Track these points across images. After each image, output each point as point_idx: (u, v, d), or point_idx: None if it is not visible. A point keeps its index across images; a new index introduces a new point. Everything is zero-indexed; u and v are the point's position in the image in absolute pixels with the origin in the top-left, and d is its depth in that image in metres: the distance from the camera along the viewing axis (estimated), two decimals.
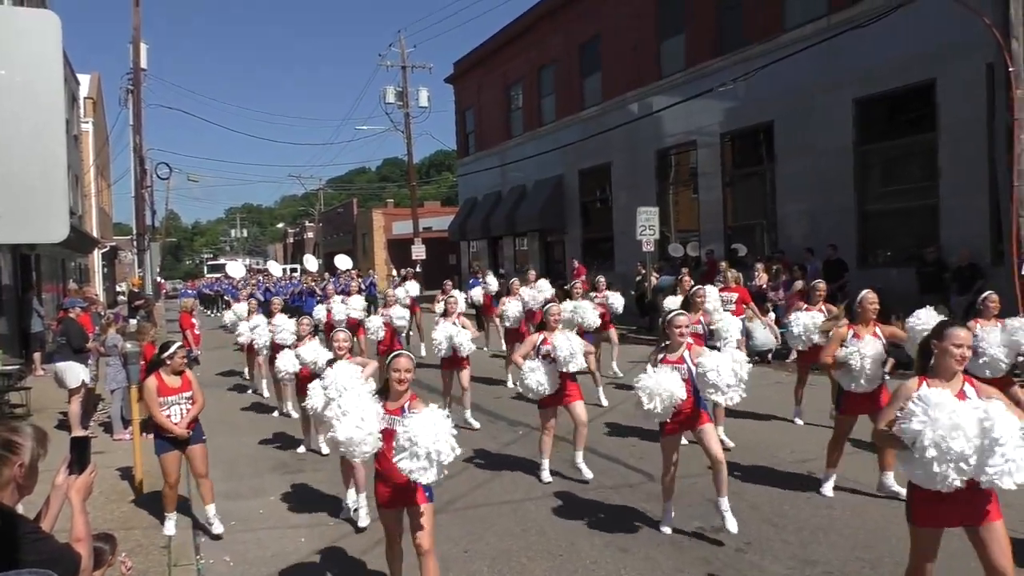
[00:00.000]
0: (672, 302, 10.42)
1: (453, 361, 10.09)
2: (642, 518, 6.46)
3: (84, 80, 37.04)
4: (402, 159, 58.64)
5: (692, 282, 11.39)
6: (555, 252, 27.71)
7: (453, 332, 9.93)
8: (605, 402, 10.88)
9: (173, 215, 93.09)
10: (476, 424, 10.00)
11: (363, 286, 21.72)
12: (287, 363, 9.21)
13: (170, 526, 6.48)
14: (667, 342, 6.04)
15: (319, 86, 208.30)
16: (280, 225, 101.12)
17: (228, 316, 16.85)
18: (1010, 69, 10.71)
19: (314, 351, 8.67)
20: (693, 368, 5.80)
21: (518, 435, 9.59)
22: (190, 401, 6.40)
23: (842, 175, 15.74)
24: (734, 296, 11.63)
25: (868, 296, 6.85)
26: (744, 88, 17.16)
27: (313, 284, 23.41)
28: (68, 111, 25.55)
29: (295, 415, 10.96)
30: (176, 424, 6.28)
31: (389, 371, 4.71)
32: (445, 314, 10.49)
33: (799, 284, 14.50)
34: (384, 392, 4.80)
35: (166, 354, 6.36)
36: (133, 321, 14.11)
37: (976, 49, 12.20)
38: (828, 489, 6.74)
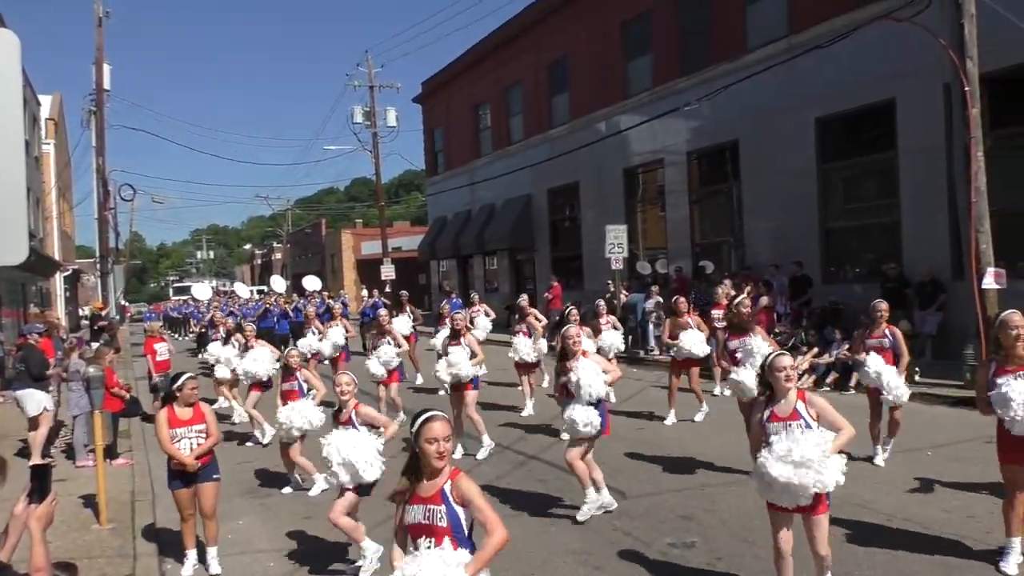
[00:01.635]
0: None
1: (455, 388, 9.51)
2: (616, 535, 6.46)
3: (45, 101, 36.50)
4: (371, 179, 58.55)
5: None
6: (525, 271, 27.78)
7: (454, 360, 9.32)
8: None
9: (137, 237, 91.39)
10: (482, 455, 9.29)
11: (335, 306, 21.46)
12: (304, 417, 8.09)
13: (188, 567, 6.16)
14: (768, 392, 4.75)
15: (286, 106, 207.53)
16: (247, 246, 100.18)
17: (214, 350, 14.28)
18: (966, 88, 11.00)
19: (308, 413, 8.01)
20: (814, 426, 4.53)
21: (487, 454, 9.54)
22: (202, 434, 6.06)
23: (806, 193, 16.01)
24: (722, 312, 11.70)
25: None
26: (709, 107, 17.43)
27: (286, 306, 23.05)
28: (28, 132, 25.16)
29: (266, 440, 10.82)
30: (187, 456, 5.96)
31: (419, 441, 3.44)
32: (453, 336, 9.74)
33: (764, 300, 14.68)
34: (414, 469, 3.51)
35: (175, 385, 6.11)
36: (95, 345, 13.83)
37: (933, 69, 12.52)
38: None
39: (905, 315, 13.05)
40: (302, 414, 7.93)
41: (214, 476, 6.16)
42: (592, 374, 6.63)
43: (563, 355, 6.88)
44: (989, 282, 11.03)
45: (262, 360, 10.80)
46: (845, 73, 14.71)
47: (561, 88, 24.58)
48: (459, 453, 9.27)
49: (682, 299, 11.37)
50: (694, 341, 10.67)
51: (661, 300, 17.68)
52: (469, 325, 10.55)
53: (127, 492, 8.51)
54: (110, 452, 9.64)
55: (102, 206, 24.26)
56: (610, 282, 18.90)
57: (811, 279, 15.32)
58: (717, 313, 11.95)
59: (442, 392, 13.52)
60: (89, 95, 25.31)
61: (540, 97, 25.67)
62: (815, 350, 12.91)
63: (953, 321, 12.58)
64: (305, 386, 8.46)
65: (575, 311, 10.86)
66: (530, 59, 25.91)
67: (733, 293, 12.90)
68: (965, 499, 6.77)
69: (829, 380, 12.59)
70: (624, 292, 18.78)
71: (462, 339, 9.56)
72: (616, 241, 18.16)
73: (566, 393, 6.75)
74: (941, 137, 12.94)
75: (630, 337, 18.39)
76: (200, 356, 21.86)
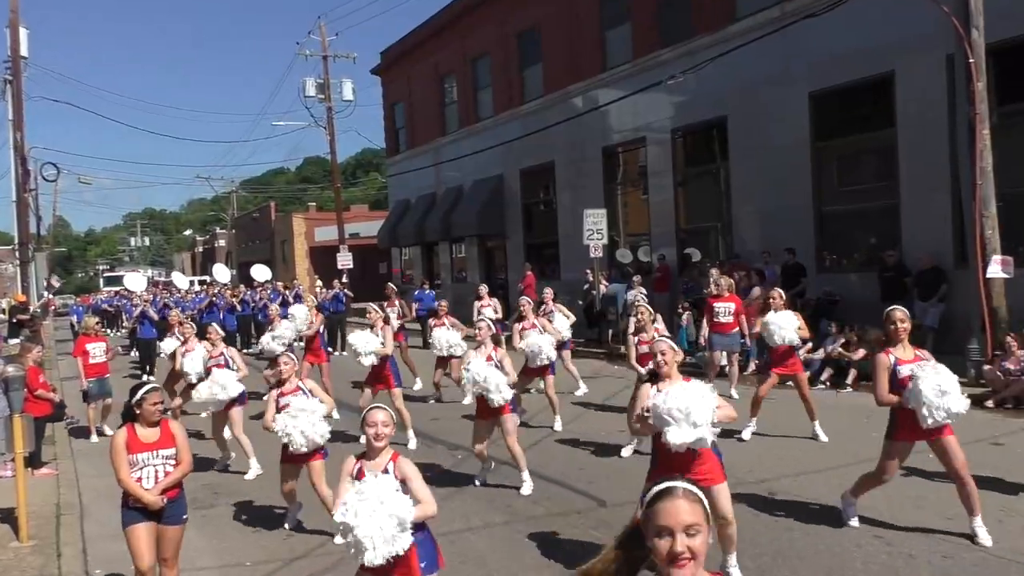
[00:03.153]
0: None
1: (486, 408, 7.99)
2: (593, 547, 6.47)
3: None
4: (325, 158, 58.07)
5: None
6: (496, 259, 27.76)
7: (482, 373, 7.79)
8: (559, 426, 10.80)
9: (62, 222, 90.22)
10: (528, 489, 8.03)
11: (290, 299, 21.15)
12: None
13: None
14: None
15: (230, 77, 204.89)
16: (187, 232, 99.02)
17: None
18: (970, 60, 11.12)
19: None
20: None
21: (457, 459, 9.53)
22: (171, 460, 5.36)
23: (799, 174, 16.14)
24: (731, 306, 11.44)
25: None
26: (695, 81, 17.48)
27: (233, 299, 22.78)
28: None
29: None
30: (148, 490, 5.24)
31: (648, 527, 3.12)
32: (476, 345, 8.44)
33: (757, 291, 14.79)
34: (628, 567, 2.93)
35: (133, 400, 5.34)
36: (14, 341, 13.56)
37: (936, 39, 12.66)
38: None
39: (905, 306, 13.19)
40: (305, 427, 6.92)
41: (183, 517, 5.49)
42: (705, 404, 5.06)
43: (652, 377, 5.61)
44: (995, 270, 11.17)
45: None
46: (841, 44, 14.83)
47: (533, 60, 24.50)
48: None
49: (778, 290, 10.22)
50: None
51: (644, 290, 17.78)
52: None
53: (51, 505, 8.38)
54: (33, 461, 9.46)
55: (21, 187, 23.74)
56: (588, 271, 18.96)
57: (804, 268, 15.46)
58: (721, 307, 11.52)
59: (432, 401, 13.24)
60: (4, 62, 24.76)
61: (511, 69, 25.58)
62: (808, 345, 13.03)
63: (956, 312, 12.75)
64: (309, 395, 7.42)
65: (645, 311, 9.41)
66: (499, 27, 25.80)
67: (733, 283, 12.72)
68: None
69: (824, 377, 12.71)
70: (604, 282, 18.85)
71: (493, 353, 8.13)
72: (595, 226, 18.20)
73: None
74: (944, 113, 13.10)
75: (610, 331, 18.51)
76: (132, 354, 21.56)
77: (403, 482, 4.43)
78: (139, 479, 5.26)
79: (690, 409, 4.96)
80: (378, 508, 4.00)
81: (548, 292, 13.82)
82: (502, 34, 25.75)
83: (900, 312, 6.39)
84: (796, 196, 16.22)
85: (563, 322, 12.62)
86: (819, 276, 15.51)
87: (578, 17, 22.16)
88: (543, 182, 24.85)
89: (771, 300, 9.78)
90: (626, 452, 9.18)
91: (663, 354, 5.45)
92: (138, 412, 5.32)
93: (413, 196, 31.92)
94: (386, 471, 4.46)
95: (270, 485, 7.74)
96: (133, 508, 5.29)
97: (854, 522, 6.48)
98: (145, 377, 17.03)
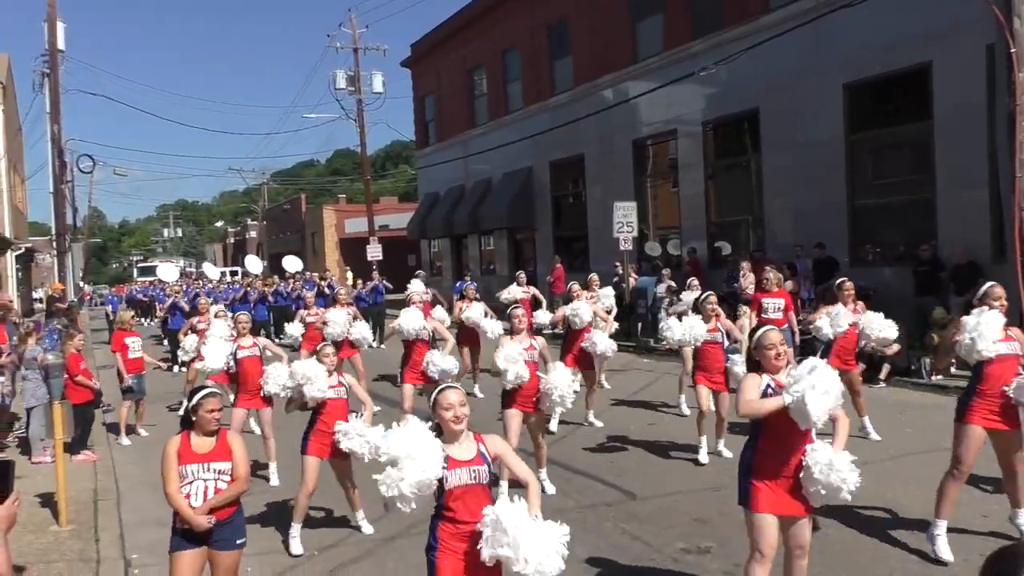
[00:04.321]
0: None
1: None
2: (623, 539, 6.47)
3: None
4: (355, 150, 58.44)
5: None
6: (525, 251, 27.75)
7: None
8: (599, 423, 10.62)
9: (97, 213, 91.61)
10: (551, 488, 7.73)
11: (325, 290, 21.31)
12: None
13: None
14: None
15: (262, 70, 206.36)
16: (219, 224, 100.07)
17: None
18: (1011, 50, 10.89)
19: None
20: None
21: None
22: (224, 476, 4.68)
23: (832, 167, 15.96)
24: (780, 302, 10.87)
25: None
26: (727, 73, 17.34)
27: (265, 289, 22.97)
28: None
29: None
30: (195, 509, 4.58)
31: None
32: (512, 334, 7.79)
33: (789, 285, 14.65)
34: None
35: (191, 405, 4.75)
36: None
37: (975, 29, 12.44)
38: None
39: (939, 301, 13.05)
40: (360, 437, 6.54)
41: (237, 542, 4.74)
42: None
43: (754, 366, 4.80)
44: None
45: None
46: (876, 34, 14.61)
47: (563, 51, 24.43)
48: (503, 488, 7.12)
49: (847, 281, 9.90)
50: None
51: (673, 284, 17.69)
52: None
53: (89, 491, 8.51)
54: (72, 447, 9.63)
55: (58, 179, 24.10)
56: (618, 264, 18.89)
57: (837, 262, 15.29)
58: (770, 302, 10.78)
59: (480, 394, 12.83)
60: (41, 56, 25.13)
61: (540, 61, 25.52)
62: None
63: None
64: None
65: (715, 297, 9.15)
66: (529, 19, 25.73)
67: (782, 277, 12.32)
68: (1004, 502, 6.78)
69: (857, 372, 12.52)
70: (633, 275, 18.78)
71: (534, 342, 7.60)
72: (624, 219, 18.14)
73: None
74: (983, 105, 12.88)
75: (639, 324, 18.45)
76: (164, 344, 21.80)
77: (494, 460, 4.24)
78: (187, 495, 4.62)
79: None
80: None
81: (593, 277, 14.08)
82: (532, 26, 25.68)
83: (999, 289, 6.11)
84: (829, 190, 16.04)
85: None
86: (853, 270, 15.28)
87: (608, 8, 22.05)
88: (573, 175, 24.78)
89: (844, 292, 9.61)
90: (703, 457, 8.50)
91: (781, 344, 4.75)
92: (194, 419, 4.72)
93: (442, 188, 31.99)
94: (481, 457, 4.14)
95: (297, 476, 7.79)
96: (180, 530, 4.65)
97: (946, 553, 5.72)
98: (176, 369, 17.22)
